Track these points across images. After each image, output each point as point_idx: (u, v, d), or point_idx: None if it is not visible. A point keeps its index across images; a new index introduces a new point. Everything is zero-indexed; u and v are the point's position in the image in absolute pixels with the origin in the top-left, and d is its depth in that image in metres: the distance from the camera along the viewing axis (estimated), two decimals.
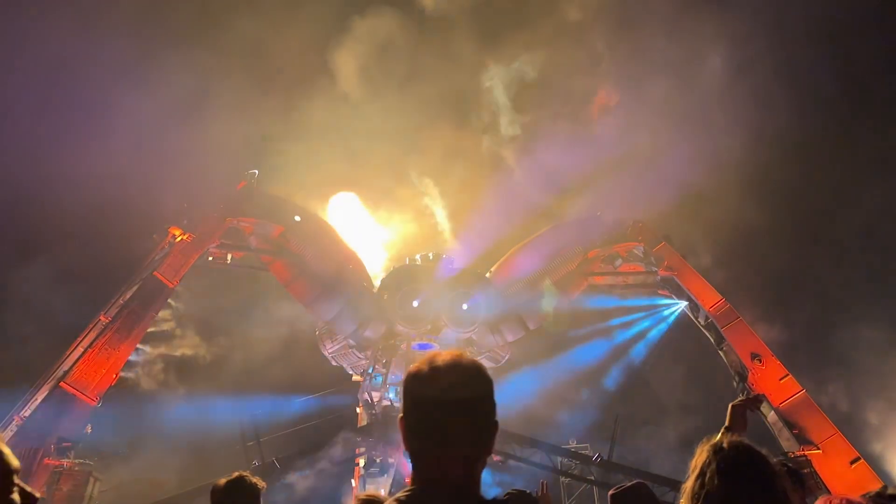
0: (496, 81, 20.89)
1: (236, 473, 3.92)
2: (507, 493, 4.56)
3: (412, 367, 1.90)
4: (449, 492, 1.80)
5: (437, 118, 19.84)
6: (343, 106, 19.64)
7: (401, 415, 1.89)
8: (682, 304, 18.97)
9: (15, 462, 1.53)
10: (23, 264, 17.11)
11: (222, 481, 3.86)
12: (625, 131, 20.73)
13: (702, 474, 2.39)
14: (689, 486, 2.43)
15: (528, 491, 4.79)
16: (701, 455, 2.46)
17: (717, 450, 2.42)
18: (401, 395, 1.91)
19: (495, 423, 1.89)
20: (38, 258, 17.38)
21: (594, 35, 20.79)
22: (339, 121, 19.63)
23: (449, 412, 1.80)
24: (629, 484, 3.96)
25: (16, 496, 1.51)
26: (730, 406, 4.04)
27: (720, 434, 3.75)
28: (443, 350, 1.96)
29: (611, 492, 4.00)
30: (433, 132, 20.08)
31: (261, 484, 3.90)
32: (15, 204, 18.29)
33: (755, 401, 4.08)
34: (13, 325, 15.78)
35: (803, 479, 4.59)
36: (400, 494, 1.82)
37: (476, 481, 1.85)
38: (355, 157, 20.17)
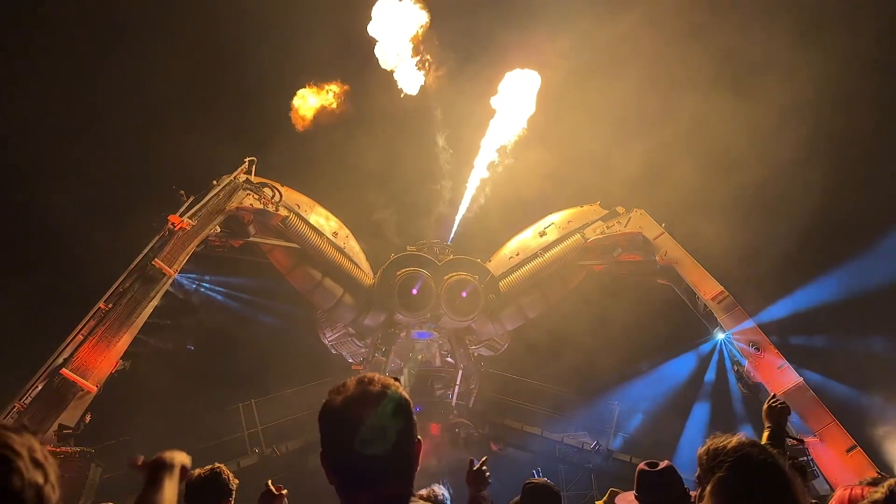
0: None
1: (210, 466, 3.94)
2: (525, 485, 4.46)
3: (326, 402, 1.86)
4: None
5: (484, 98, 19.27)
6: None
7: (321, 451, 1.85)
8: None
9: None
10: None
11: (197, 472, 3.89)
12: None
13: (720, 464, 2.38)
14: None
15: (541, 480, 4.66)
16: (718, 444, 2.45)
17: (741, 444, 2.40)
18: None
19: (417, 443, 1.87)
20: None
21: None
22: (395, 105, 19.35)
23: (364, 446, 1.76)
24: (661, 465, 3.79)
25: None
26: (774, 414, 4.00)
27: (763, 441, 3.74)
28: (359, 376, 1.92)
29: (641, 466, 3.85)
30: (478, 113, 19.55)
31: (234, 481, 3.93)
32: None
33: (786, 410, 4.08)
34: None
35: (806, 473, 4.64)
36: None
37: (407, 493, 1.83)
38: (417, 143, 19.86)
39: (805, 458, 15.64)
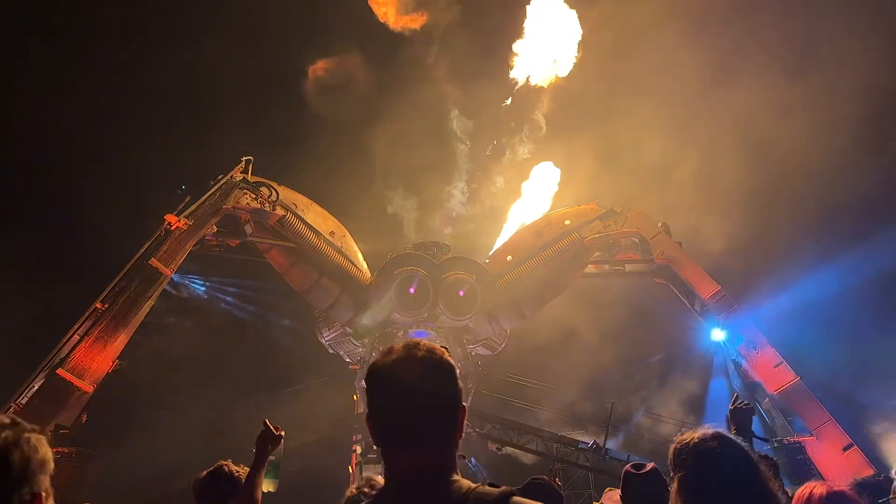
0: None
1: (215, 465, 3.92)
2: (529, 480, 4.47)
3: (371, 364, 1.89)
4: (421, 480, 1.78)
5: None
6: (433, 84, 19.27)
7: (367, 412, 1.87)
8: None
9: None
10: None
11: (203, 473, 3.87)
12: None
13: (683, 462, 2.37)
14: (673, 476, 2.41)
15: (546, 479, 4.63)
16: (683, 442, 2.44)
17: (703, 440, 2.40)
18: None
19: (461, 409, 1.87)
20: None
21: None
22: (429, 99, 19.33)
23: (408, 406, 1.78)
24: (647, 467, 3.77)
25: None
26: (739, 415, 3.97)
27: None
28: (403, 341, 1.94)
29: (627, 467, 3.83)
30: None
31: (242, 470, 3.89)
32: None
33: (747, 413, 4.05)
34: None
35: (777, 469, 4.62)
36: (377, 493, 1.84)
37: (448, 465, 1.82)
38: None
39: (801, 456, 15.73)
